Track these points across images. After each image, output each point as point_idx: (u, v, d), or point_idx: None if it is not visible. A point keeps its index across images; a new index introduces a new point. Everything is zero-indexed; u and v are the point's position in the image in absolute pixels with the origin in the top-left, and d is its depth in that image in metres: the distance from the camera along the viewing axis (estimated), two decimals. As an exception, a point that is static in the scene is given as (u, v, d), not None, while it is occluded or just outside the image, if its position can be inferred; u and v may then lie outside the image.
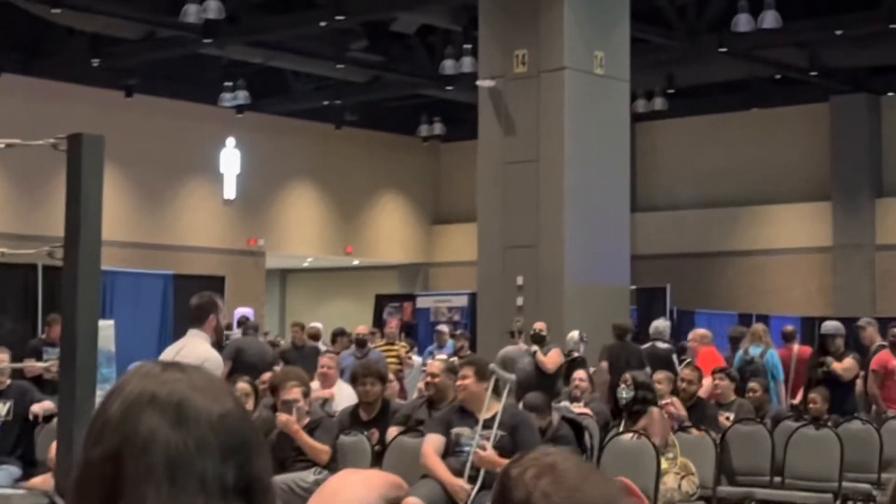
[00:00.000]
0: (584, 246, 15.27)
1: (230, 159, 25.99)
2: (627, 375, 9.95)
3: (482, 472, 7.50)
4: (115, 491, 1.45)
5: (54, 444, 5.42)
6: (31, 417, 9.53)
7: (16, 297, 15.51)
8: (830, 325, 12.37)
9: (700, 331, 14.40)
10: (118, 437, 1.47)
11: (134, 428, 1.47)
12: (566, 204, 15.19)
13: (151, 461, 1.45)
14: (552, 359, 13.02)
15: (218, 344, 8.17)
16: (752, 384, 11.89)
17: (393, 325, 16.50)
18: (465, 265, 24.51)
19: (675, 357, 13.88)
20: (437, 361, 10.60)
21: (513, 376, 8.60)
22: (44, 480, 7.58)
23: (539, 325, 13.63)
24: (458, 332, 18.57)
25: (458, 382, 8.05)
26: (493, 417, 7.66)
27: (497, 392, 7.82)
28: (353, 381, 9.56)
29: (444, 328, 18.00)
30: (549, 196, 15.28)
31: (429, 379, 9.51)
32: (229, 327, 17.92)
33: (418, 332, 22.62)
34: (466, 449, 7.62)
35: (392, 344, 15.69)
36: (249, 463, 1.51)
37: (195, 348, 6.97)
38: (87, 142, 5.02)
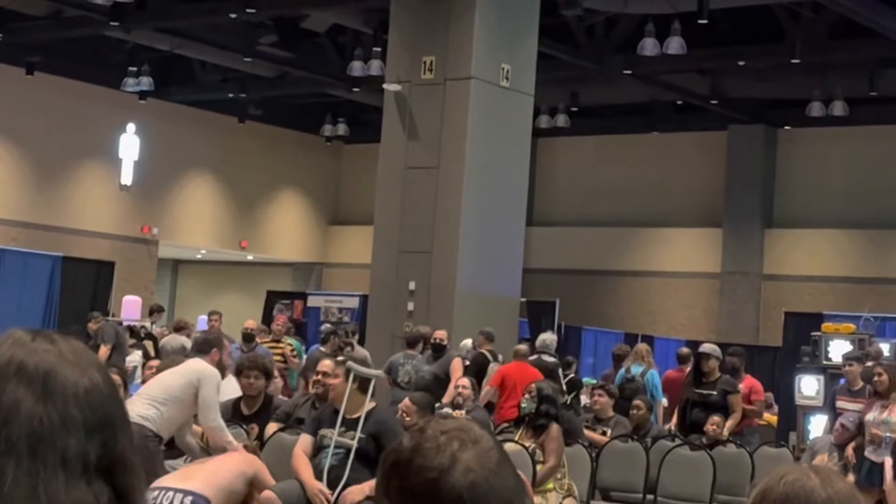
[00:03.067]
0: (478, 255, 15.35)
1: (129, 145, 25.58)
2: (532, 386, 9.56)
3: (346, 475, 7.48)
4: None
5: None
6: None
7: None
8: (707, 346, 12.59)
9: (518, 346, 14.15)
10: None
11: None
12: (463, 212, 15.27)
13: (13, 434, 1.42)
14: (456, 369, 13.09)
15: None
16: (636, 402, 12.03)
17: (280, 321, 16.46)
18: (359, 267, 24.53)
19: (560, 371, 14.06)
20: (328, 360, 10.51)
21: (378, 372, 8.61)
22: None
23: (440, 334, 13.66)
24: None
25: (329, 381, 8.07)
26: (360, 418, 7.63)
27: (364, 390, 7.79)
28: (238, 373, 9.55)
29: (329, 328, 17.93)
30: (447, 203, 15.34)
31: (318, 377, 9.46)
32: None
33: (307, 331, 22.55)
34: (327, 451, 7.60)
35: (278, 341, 15.64)
36: (114, 441, 1.48)
37: (196, 362, 7.94)
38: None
